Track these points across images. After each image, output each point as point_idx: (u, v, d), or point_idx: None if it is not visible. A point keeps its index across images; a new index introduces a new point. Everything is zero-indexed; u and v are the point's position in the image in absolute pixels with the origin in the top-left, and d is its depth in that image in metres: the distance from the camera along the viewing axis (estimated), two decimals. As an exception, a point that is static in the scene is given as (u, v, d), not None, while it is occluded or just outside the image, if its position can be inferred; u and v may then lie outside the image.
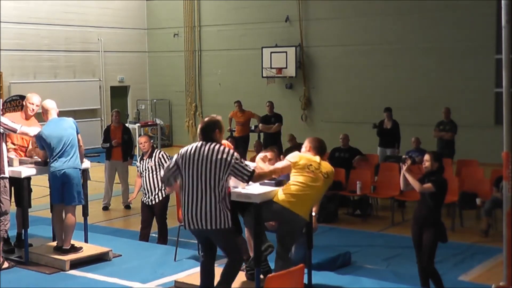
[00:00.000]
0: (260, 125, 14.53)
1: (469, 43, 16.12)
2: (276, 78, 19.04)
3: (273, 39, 19.14)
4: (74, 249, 7.40)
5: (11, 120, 7.32)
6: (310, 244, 6.47)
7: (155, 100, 22.00)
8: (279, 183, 6.06)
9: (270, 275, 4.93)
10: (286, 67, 18.68)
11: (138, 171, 8.93)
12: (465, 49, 16.24)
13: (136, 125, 17.79)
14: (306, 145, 6.26)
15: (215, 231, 5.44)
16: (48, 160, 7.39)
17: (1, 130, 7.12)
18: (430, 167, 6.58)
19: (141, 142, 8.94)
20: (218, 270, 5.86)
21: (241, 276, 6.09)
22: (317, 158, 6.11)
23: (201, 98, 21.31)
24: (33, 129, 7.43)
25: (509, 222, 5.40)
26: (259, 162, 6.10)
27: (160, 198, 8.72)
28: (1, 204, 7.09)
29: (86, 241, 7.84)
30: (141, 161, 8.87)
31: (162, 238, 8.82)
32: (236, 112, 15.28)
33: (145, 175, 8.73)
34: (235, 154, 5.51)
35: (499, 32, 12.82)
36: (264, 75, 19.07)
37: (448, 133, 12.64)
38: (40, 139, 7.26)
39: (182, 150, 5.65)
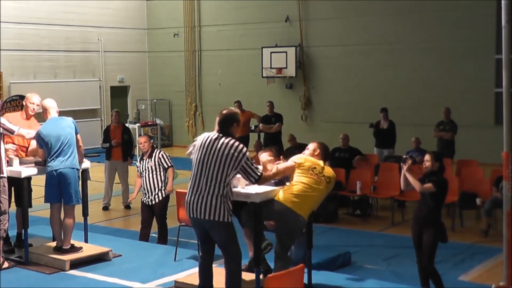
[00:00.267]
0: (261, 125, 14.52)
1: (469, 43, 16.13)
2: (276, 78, 19.04)
3: (273, 39, 19.14)
4: (74, 249, 7.40)
5: (10, 120, 7.32)
6: (310, 244, 6.46)
7: (155, 100, 22.00)
8: (279, 183, 6.07)
9: (270, 275, 4.93)
10: (286, 67, 18.69)
11: (138, 171, 8.93)
12: (465, 49, 16.24)
13: (136, 125, 17.79)
14: (314, 148, 6.27)
15: (213, 223, 5.43)
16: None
17: (0, 130, 7.13)
18: (431, 167, 6.58)
19: (141, 142, 8.93)
20: (216, 271, 5.86)
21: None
22: (321, 163, 6.16)
23: (201, 98, 21.31)
24: (31, 131, 7.44)
25: (509, 222, 5.40)
26: (267, 164, 6.12)
27: (160, 198, 8.72)
28: (0, 204, 7.09)
29: (86, 241, 7.84)
30: (141, 161, 8.87)
31: (162, 238, 8.82)
32: (236, 112, 15.22)
33: (145, 175, 8.73)
34: (247, 153, 5.51)
35: (499, 32, 12.82)
36: (264, 75, 19.07)
37: (448, 133, 12.64)
38: (38, 138, 7.27)
39: (200, 138, 5.67)
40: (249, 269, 6.24)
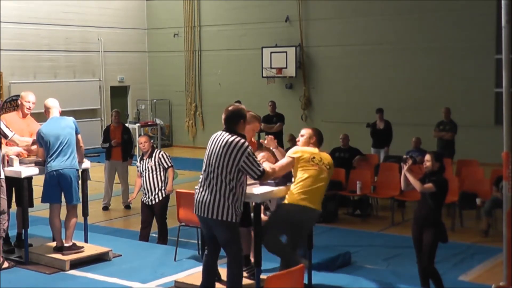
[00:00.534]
0: (262, 124, 14.53)
1: (469, 43, 16.12)
2: (276, 78, 19.04)
3: (273, 39, 19.14)
4: (75, 247, 7.41)
5: (8, 124, 7.29)
6: (310, 244, 6.47)
7: (155, 100, 22.00)
8: (279, 183, 6.07)
9: (270, 275, 4.92)
10: (286, 67, 18.69)
11: (138, 171, 8.94)
12: (465, 49, 16.24)
13: (136, 125, 17.79)
14: (309, 135, 6.24)
15: (217, 222, 5.43)
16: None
17: None
18: (431, 167, 6.58)
19: (141, 142, 8.94)
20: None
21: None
22: (317, 150, 6.15)
23: (201, 98, 21.31)
24: (24, 139, 7.42)
25: (509, 222, 5.40)
26: (264, 164, 6.12)
27: (160, 198, 8.73)
28: (-1, 204, 7.09)
29: (86, 241, 7.83)
30: (141, 161, 8.87)
31: (162, 238, 8.82)
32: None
33: (145, 175, 8.73)
34: (248, 149, 5.45)
35: (499, 32, 12.81)
36: (264, 75, 19.07)
37: (448, 133, 12.64)
38: (38, 137, 7.26)
39: (211, 137, 5.68)
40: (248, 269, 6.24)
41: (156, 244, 8.65)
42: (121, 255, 7.79)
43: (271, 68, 18.86)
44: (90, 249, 7.63)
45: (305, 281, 6.02)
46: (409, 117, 16.67)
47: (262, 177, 5.56)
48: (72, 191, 7.30)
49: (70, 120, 7.46)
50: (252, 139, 6.48)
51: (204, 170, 5.57)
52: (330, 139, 10.67)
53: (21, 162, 7.56)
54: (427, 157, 6.67)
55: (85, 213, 7.84)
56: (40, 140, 7.26)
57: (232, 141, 5.46)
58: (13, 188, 7.72)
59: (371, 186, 11.35)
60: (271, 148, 6.41)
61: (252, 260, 6.07)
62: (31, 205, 7.85)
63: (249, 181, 5.76)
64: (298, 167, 6.04)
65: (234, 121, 5.58)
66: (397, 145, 13.40)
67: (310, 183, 5.96)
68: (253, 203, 5.89)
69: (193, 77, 21.36)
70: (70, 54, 20.19)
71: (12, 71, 18.56)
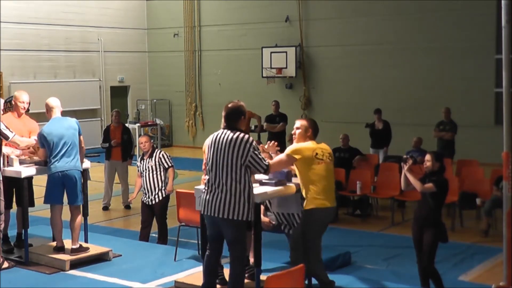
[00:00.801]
0: (265, 124, 14.59)
1: (469, 43, 16.12)
2: (276, 78, 19.04)
3: (273, 39, 19.14)
4: (82, 248, 7.42)
5: (7, 125, 7.26)
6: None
7: (155, 100, 22.00)
8: (279, 183, 6.07)
9: (270, 275, 4.92)
10: (286, 67, 18.69)
11: (138, 171, 8.94)
12: (465, 49, 16.24)
13: (136, 125, 17.79)
14: (305, 128, 6.21)
15: (226, 221, 5.43)
16: (47, 159, 7.38)
17: None
18: (431, 167, 6.58)
19: (141, 142, 8.94)
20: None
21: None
22: (315, 143, 6.15)
23: (201, 98, 21.31)
24: (24, 140, 7.40)
25: (509, 222, 5.39)
26: None
27: (160, 198, 8.73)
28: (-3, 205, 7.08)
29: (86, 241, 7.84)
30: (142, 161, 8.88)
31: (162, 238, 8.82)
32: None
33: (145, 175, 8.73)
34: (254, 143, 5.49)
35: (499, 32, 12.82)
36: (264, 75, 19.07)
37: (448, 133, 12.64)
38: (41, 137, 7.24)
39: (209, 138, 5.68)
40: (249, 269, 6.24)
41: (156, 244, 8.65)
42: (121, 255, 7.79)
43: (271, 68, 18.86)
44: (90, 249, 7.62)
45: (305, 281, 6.02)
46: (409, 117, 16.67)
47: (268, 171, 5.59)
48: (77, 192, 7.31)
49: (73, 121, 7.45)
50: None
51: (211, 171, 5.54)
52: (330, 139, 10.64)
53: (21, 162, 7.56)
54: (428, 157, 6.67)
55: (85, 213, 7.84)
56: (43, 140, 7.23)
57: (236, 138, 5.46)
58: (14, 189, 7.71)
59: (371, 186, 11.34)
60: (270, 153, 6.41)
61: (252, 260, 6.07)
62: (32, 205, 7.84)
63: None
64: (303, 167, 6.02)
65: (234, 117, 5.59)
66: (397, 145, 13.40)
67: (324, 182, 6.01)
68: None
69: (193, 77, 21.36)
70: (70, 54, 20.19)
71: (12, 71, 18.56)
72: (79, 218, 7.43)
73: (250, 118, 15.29)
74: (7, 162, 7.37)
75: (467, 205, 10.26)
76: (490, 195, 9.95)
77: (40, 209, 9.76)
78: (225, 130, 5.57)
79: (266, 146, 6.42)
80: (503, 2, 5.32)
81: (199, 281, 5.95)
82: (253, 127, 15.58)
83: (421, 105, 16.75)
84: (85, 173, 7.74)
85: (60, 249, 7.40)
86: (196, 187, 6.12)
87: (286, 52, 18.68)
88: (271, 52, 18.85)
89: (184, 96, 21.57)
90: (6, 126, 7.22)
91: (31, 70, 19.19)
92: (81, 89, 20.16)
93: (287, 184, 6.17)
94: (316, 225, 6.06)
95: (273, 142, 6.45)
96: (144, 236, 8.90)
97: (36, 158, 7.58)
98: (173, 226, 8.69)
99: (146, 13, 22.30)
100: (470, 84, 16.19)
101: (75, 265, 7.28)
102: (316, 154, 6.05)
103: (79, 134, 7.41)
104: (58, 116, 7.42)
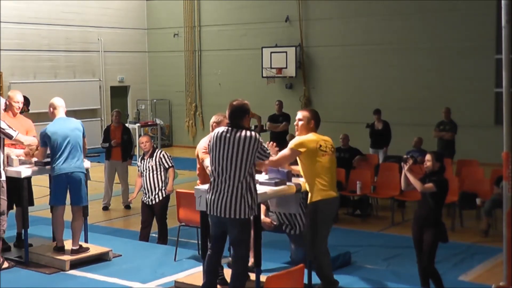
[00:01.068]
0: (268, 123, 14.64)
1: (469, 43, 16.12)
2: (276, 78, 19.04)
3: (273, 39, 19.14)
4: (82, 249, 7.42)
5: (8, 125, 7.24)
6: (310, 244, 6.46)
7: (155, 100, 22.00)
8: (279, 183, 6.06)
9: (270, 275, 4.92)
10: (286, 67, 18.69)
11: (138, 170, 8.94)
12: (465, 49, 16.24)
13: (136, 125, 17.78)
14: (308, 119, 6.19)
15: (233, 220, 5.41)
16: (48, 158, 7.37)
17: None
18: (432, 167, 6.58)
19: (142, 141, 8.95)
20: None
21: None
22: (316, 135, 6.14)
23: (201, 98, 21.31)
24: (29, 138, 7.39)
25: (509, 222, 5.39)
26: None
27: (160, 198, 8.73)
28: (-1, 205, 7.08)
29: (86, 241, 7.83)
30: (142, 161, 8.88)
31: (162, 238, 8.82)
32: (236, 112, 15.29)
33: (146, 175, 8.74)
34: (261, 140, 5.53)
35: (499, 32, 12.83)
36: (264, 75, 19.07)
37: (448, 133, 12.65)
38: (44, 137, 7.20)
39: (212, 135, 5.65)
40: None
41: (156, 244, 8.65)
42: (121, 255, 7.79)
43: (271, 68, 18.86)
44: (90, 249, 7.62)
45: (305, 281, 6.02)
46: (409, 117, 16.67)
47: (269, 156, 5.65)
48: (81, 193, 7.32)
49: (78, 122, 7.43)
50: None
51: (215, 170, 5.51)
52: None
53: (21, 162, 7.55)
54: (428, 157, 6.67)
55: (85, 213, 7.82)
56: (46, 139, 7.20)
57: (245, 137, 5.44)
58: (13, 189, 7.68)
59: (371, 186, 11.35)
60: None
61: (252, 260, 6.07)
62: (31, 204, 7.83)
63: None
64: (308, 160, 6.01)
65: (240, 115, 5.59)
66: (397, 145, 13.41)
67: (329, 174, 6.04)
68: None
69: (193, 77, 21.36)
70: (70, 54, 20.19)
71: (12, 71, 18.56)
72: (81, 219, 7.43)
73: (251, 118, 15.32)
74: (7, 162, 7.36)
75: (467, 205, 10.26)
76: (490, 195, 9.95)
77: (40, 209, 9.77)
78: (230, 128, 5.53)
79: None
80: (503, 2, 5.32)
81: (199, 281, 5.94)
82: (253, 127, 15.58)
83: (421, 105, 16.75)
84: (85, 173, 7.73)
85: (60, 249, 7.40)
86: (196, 187, 6.12)
87: (286, 52, 18.69)
88: (271, 52, 18.85)
89: (184, 96, 21.58)
90: (8, 125, 7.19)
91: (31, 70, 19.19)
92: (81, 89, 20.16)
93: (287, 184, 6.16)
94: (324, 216, 6.07)
95: (271, 142, 6.44)
96: (144, 236, 8.90)
97: (34, 158, 7.55)
98: (173, 226, 8.69)
99: (146, 13, 22.30)
100: (470, 84, 16.19)
101: (75, 265, 7.28)
102: (320, 146, 6.05)
103: (83, 136, 7.39)
104: (62, 116, 7.38)
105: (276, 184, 6.03)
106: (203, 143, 6.76)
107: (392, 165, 11.51)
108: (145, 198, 8.80)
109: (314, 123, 6.20)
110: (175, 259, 7.62)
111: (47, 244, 7.85)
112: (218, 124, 6.49)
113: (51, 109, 7.41)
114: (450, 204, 10.05)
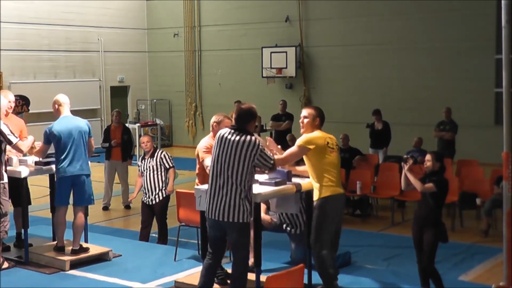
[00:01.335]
0: (270, 122, 14.70)
1: (469, 43, 16.12)
2: (276, 78, 19.04)
3: (273, 39, 19.14)
4: (83, 249, 7.42)
5: (11, 130, 7.20)
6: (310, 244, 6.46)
7: (155, 100, 22.00)
8: (280, 183, 6.06)
9: (270, 275, 4.92)
10: (286, 67, 18.69)
11: (139, 170, 8.95)
12: (465, 49, 16.24)
13: (136, 125, 17.77)
14: (313, 117, 6.17)
15: (232, 224, 5.37)
16: (48, 158, 7.36)
17: (0, 138, 7.06)
18: (432, 167, 6.58)
19: (143, 141, 8.95)
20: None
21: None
22: (322, 133, 6.16)
23: (201, 98, 21.31)
24: (27, 143, 7.32)
25: (509, 222, 5.40)
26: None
27: (161, 198, 8.73)
28: (1, 206, 7.06)
29: (86, 241, 7.83)
30: (143, 161, 8.88)
31: (162, 238, 8.82)
32: (236, 112, 15.34)
33: (146, 175, 8.74)
34: (260, 145, 5.46)
35: (499, 32, 12.81)
36: (264, 75, 19.07)
37: (449, 133, 12.65)
38: (50, 135, 7.15)
39: (216, 136, 5.62)
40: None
41: (156, 244, 8.65)
42: (121, 255, 7.79)
43: (271, 68, 18.86)
44: (90, 249, 7.62)
45: (305, 281, 6.02)
46: (409, 117, 16.67)
47: (274, 167, 5.62)
48: (85, 194, 7.31)
49: (84, 122, 7.39)
50: None
51: (214, 172, 5.47)
52: (330, 139, 10.65)
53: (21, 162, 7.54)
54: (428, 157, 6.67)
55: (85, 213, 7.82)
56: (51, 138, 7.15)
57: (244, 141, 5.39)
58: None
59: (371, 186, 11.35)
60: (274, 151, 6.42)
61: (252, 260, 6.07)
62: (29, 203, 7.82)
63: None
64: (316, 157, 6.02)
65: (246, 119, 5.55)
66: (397, 145, 13.41)
67: (336, 170, 6.09)
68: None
69: (193, 77, 21.36)
70: (70, 54, 20.19)
71: (12, 71, 18.55)
72: (83, 220, 7.41)
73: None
74: (7, 162, 7.35)
75: (467, 205, 10.26)
76: (490, 195, 9.95)
77: (40, 209, 9.77)
78: (233, 132, 5.50)
79: (267, 143, 6.39)
80: (503, 2, 5.33)
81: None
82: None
83: (421, 105, 16.75)
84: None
85: (61, 249, 7.39)
86: (196, 187, 6.12)
87: (286, 52, 18.69)
88: (271, 52, 18.85)
89: (184, 96, 21.58)
90: (10, 131, 7.13)
91: (31, 70, 19.18)
92: (81, 89, 20.13)
93: (287, 184, 6.16)
94: (332, 212, 6.10)
95: (269, 138, 6.44)
96: (144, 236, 8.90)
97: (34, 158, 7.53)
98: (173, 226, 8.69)
99: (146, 13, 22.30)
100: (470, 84, 16.19)
101: (75, 265, 7.28)
102: (328, 143, 6.08)
103: (89, 136, 7.38)
104: (68, 113, 7.33)
105: (276, 184, 6.03)
106: (204, 143, 6.76)
107: (392, 165, 11.51)
108: (145, 198, 8.80)
109: (319, 121, 6.20)
110: (175, 259, 7.62)
111: (47, 244, 7.84)
112: (219, 124, 6.48)
113: (56, 105, 7.35)
114: (450, 204, 10.05)
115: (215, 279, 5.91)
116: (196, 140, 21.01)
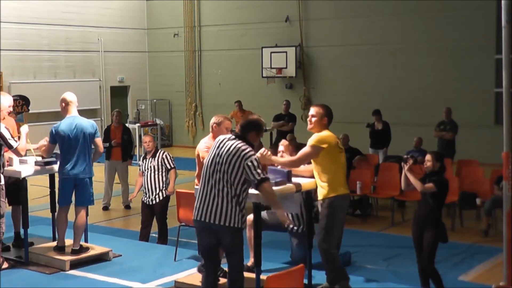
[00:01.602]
0: (272, 123, 14.72)
1: (469, 43, 16.13)
2: (276, 78, 19.04)
3: (273, 39, 19.14)
4: (83, 249, 7.42)
5: (11, 134, 7.17)
6: (310, 244, 6.46)
7: (155, 100, 22.00)
8: (280, 183, 6.05)
9: (270, 275, 4.92)
10: (286, 67, 18.69)
11: (140, 169, 8.95)
12: (465, 49, 16.24)
13: (136, 125, 17.78)
14: (321, 116, 6.12)
15: (224, 228, 5.25)
16: (48, 158, 7.36)
17: (1, 142, 7.04)
18: (432, 167, 6.58)
19: (145, 141, 8.96)
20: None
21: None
22: (330, 132, 6.17)
23: (201, 98, 21.31)
24: (24, 147, 7.29)
25: (509, 222, 5.40)
26: (286, 156, 6.19)
27: (161, 198, 8.73)
28: (-1, 207, 7.06)
29: (86, 241, 7.83)
30: (144, 160, 8.88)
31: (162, 238, 8.82)
32: (236, 112, 15.33)
33: (147, 175, 8.74)
34: (252, 157, 5.26)
35: (499, 32, 12.80)
36: (264, 75, 19.07)
37: (449, 133, 12.65)
38: (56, 135, 7.13)
39: (216, 139, 5.57)
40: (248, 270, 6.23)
41: (156, 244, 8.65)
42: (121, 255, 7.79)
43: (271, 68, 18.86)
44: (90, 249, 7.62)
45: (305, 281, 6.02)
46: (409, 117, 16.67)
47: (259, 186, 5.27)
48: (87, 195, 7.31)
49: (90, 123, 7.36)
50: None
51: (206, 175, 5.37)
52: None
53: (21, 162, 7.54)
54: (428, 157, 6.67)
55: (86, 214, 7.83)
56: (56, 137, 7.13)
57: (236, 146, 5.29)
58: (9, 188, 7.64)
59: (371, 186, 11.35)
60: (283, 152, 6.45)
61: (252, 260, 6.06)
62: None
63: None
64: (327, 156, 6.04)
65: (248, 129, 5.43)
66: (397, 145, 13.40)
67: (343, 170, 6.18)
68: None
69: (193, 77, 21.36)
70: (70, 54, 20.19)
71: (12, 71, 18.55)
72: (84, 220, 7.41)
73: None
74: (7, 162, 7.35)
75: (467, 205, 10.27)
76: (490, 195, 9.95)
77: (40, 209, 9.77)
78: (233, 137, 5.43)
79: (259, 155, 6.24)
80: (503, 2, 5.33)
81: (199, 281, 5.94)
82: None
83: (421, 105, 16.75)
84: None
85: (61, 249, 7.39)
86: (196, 187, 6.11)
87: (286, 52, 18.69)
88: (271, 52, 18.85)
89: (184, 96, 21.58)
90: (11, 135, 7.11)
91: (31, 70, 19.18)
92: (81, 89, 19.99)
93: (287, 184, 6.15)
94: (341, 210, 6.16)
95: (264, 149, 6.30)
96: (144, 236, 8.90)
97: (34, 158, 7.53)
98: (173, 226, 8.68)
99: (146, 13, 22.30)
100: (470, 84, 16.19)
101: (75, 265, 7.28)
102: (337, 142, 6.14)
103: (97, 137, 7.35)
104: (75, 113, 7.30)
105: (276, 184, 6.02)
106: (204, 143, 6.75)
107: (392, 165, 11.51)
108: (145, 198, 8.80)
109: (327, 120, 6.18)
110: (175, 259, 7.62)
111: (47, 244, 7.84)
112: (218, 125, 6.47)
113: (63, 104, 7.32)
114: (450, 204, 10.04)
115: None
116: (196, 140, 21.01)
